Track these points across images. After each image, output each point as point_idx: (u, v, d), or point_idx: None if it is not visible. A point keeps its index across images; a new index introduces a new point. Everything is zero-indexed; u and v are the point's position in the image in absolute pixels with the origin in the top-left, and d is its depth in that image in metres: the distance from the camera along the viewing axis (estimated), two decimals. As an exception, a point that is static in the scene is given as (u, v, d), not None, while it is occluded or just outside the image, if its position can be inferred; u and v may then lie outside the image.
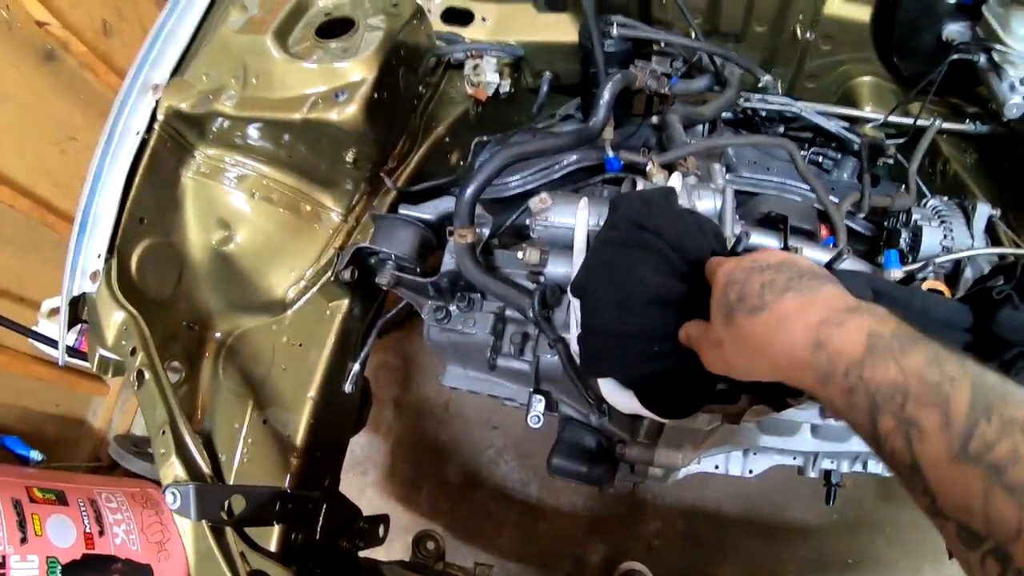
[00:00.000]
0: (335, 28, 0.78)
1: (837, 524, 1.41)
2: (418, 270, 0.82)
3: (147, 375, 0.64)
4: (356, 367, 0.89)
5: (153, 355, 0.65)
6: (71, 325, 0.75)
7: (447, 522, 1.51)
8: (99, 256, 0.71)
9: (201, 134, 0.79)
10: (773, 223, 0.75)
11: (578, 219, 0.66)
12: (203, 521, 0.58)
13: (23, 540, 1.15)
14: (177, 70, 0.76)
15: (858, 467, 0.90)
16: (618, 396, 0.57)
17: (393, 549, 1.42)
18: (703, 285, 0.47)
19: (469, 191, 0.72)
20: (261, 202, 0.83)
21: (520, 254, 0.72)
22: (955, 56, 0.79)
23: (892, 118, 0.91)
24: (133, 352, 0.66)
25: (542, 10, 0.98)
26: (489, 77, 0.98)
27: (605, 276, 0.52)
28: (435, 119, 0.98)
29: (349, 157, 0.77)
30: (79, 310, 0.74)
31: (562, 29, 0.99)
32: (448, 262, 0.78)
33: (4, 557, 1.11)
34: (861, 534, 1.41)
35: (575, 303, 0.57)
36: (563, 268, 0.71)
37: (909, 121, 0.90)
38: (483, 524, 1.50)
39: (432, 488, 1.56)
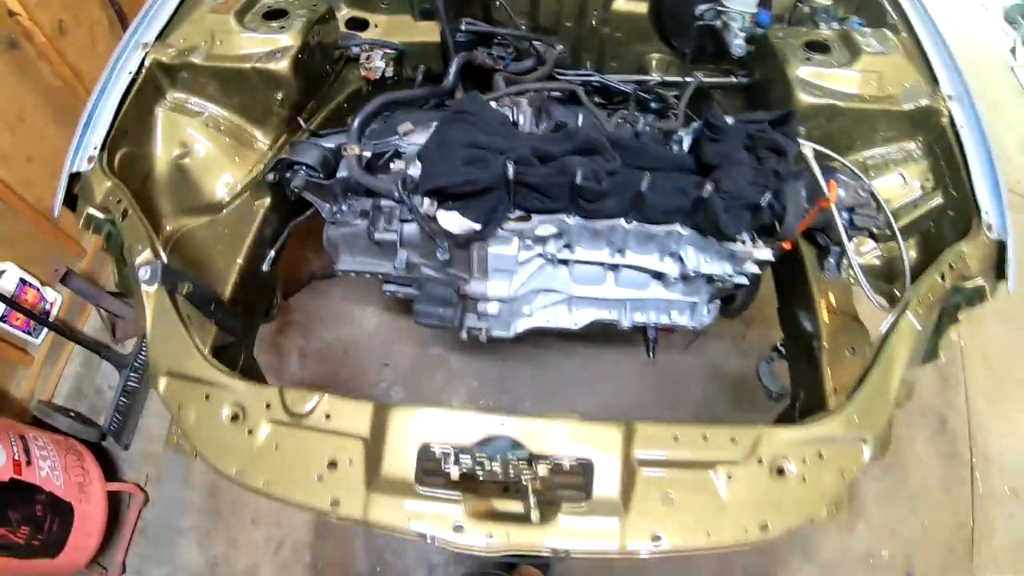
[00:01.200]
0: (274, 14, 1.42)
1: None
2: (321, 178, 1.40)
3: (130, 212, 1.15)
4: (272, 252, 1.43)
5: (133, 202, 1.16)
6: (65, 201, 1.24)
7: None
8: (95, 148, 1.22)
9: (172, 81, 1.36)
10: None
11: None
12: (162, 288, 1.07)
13: None
14: (160, 36, 1.34)
15: (665, 319, 1.50)
16: (448, 217, 1.17)
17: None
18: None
19: (357, 119, 1.34)
20: (211, 130, 1.39)
21: (392, 165, 1.34)
22: (700, 23, 1.48)
23: (672, 78, 1.64)
24: (119, 202, 1.16)
25: (417, 19, 1.69)
26: (377, 63, 1.64)
27: (436, 137, 1.15)
28: (337, 92, 1.62)
29: (279, 97, 1.37)
30: (73, 186, 1.23)
31: (432, 33, 1.68)
32: (341, 171, 1.37)
33: None
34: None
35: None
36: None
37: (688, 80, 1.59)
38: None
39: None
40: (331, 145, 1.42)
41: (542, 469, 0.86)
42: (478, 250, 1.28)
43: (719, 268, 1.33)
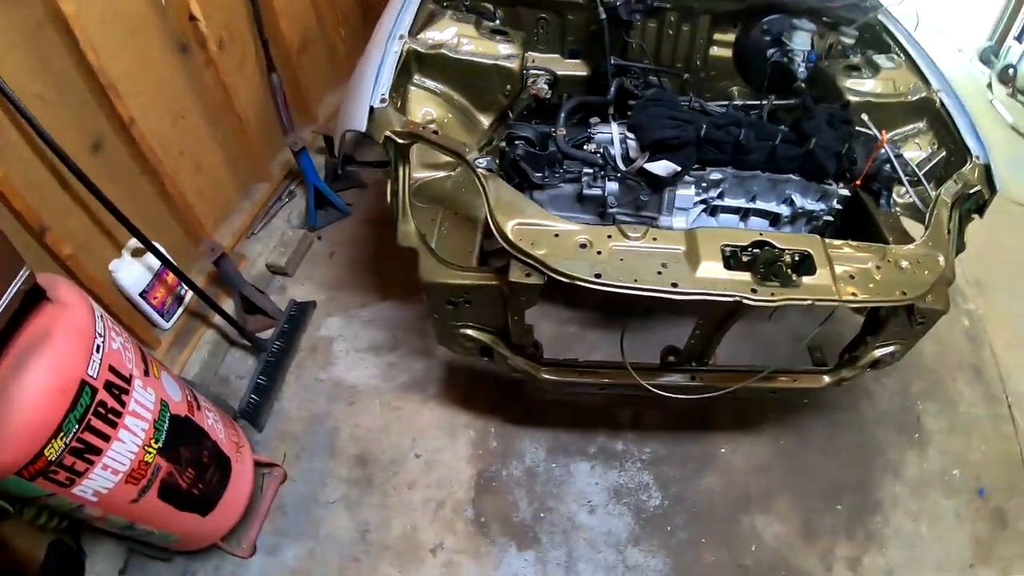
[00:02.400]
0: (498, 31, 2.39)
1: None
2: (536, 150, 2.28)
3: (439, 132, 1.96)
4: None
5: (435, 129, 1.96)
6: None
7: (504, 415, 2.61)
8: (383, 93, 1.95)
9: (421, 65, 2.23)
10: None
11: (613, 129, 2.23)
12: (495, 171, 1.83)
13: (145, 372, 1.70)
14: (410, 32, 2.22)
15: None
16: (658, 164, 2.06)
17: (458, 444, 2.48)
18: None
19: (563, 111, 2.28)
20: (447, 106, 2.27)
21: (586, 147, 2.23)
22: (772, 61, 2.56)
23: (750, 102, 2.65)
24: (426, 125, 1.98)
25: (565, 58, 2.71)
26: (542, 85, 2.60)
27: (643, 114, 2.09)
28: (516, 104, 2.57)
29: (508, 88, 2.29)
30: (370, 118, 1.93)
31: (576, 68, 2.71)
32: (550, 147, 2.26)
33: (131, 377, 1.62)
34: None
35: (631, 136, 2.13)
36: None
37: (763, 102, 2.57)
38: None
39: (488, 390, 2.67)
40: (544, 129, 2.32)
41: (787, 256, 1.69)
42: (668, 192, 2.16)
43: (816, 205, 2.26)
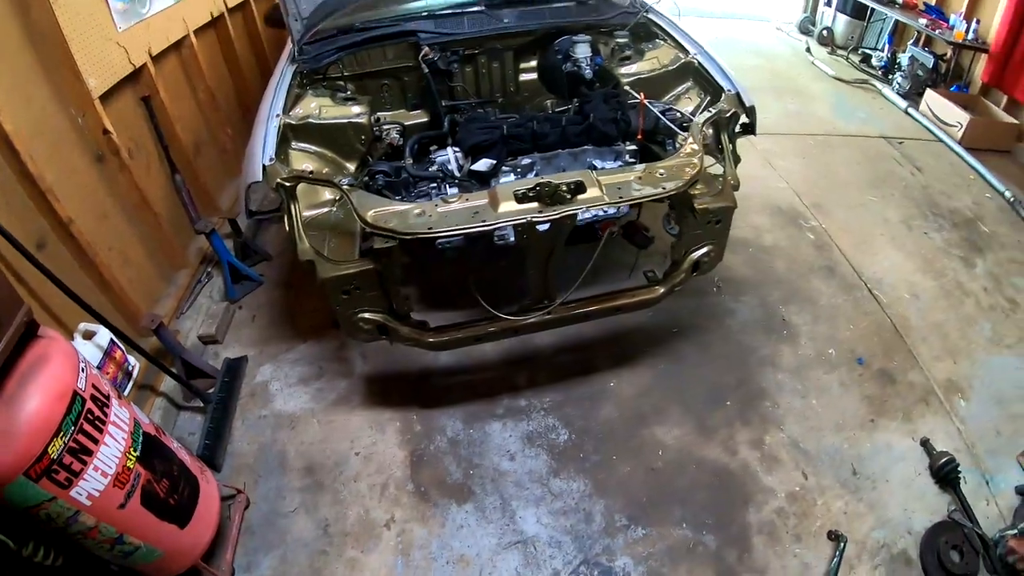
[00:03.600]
0: (349, 99, 3.09)
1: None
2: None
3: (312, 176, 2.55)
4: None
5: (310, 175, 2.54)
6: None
7: (420, 403, 2.98)
8: (270, 157, 2.48)
9: (295, 134, 2.83)
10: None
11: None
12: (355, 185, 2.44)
13: (119, 397, 1.94)
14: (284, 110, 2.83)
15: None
16: (479, 163, 2.66)
17: (388, 435, 2.89)
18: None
19: (408, 147, 2.93)
20: (321, 161, 2.84)
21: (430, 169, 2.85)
22: (567, 71, 3.24)
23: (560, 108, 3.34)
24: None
25: (409, 110, 3.37)
26: (394, 135, 3.19)
27: (464, 129, 2.75)
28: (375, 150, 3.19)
29: (363, 138, 2.93)
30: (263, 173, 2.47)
31: (417, 117, 3.34)
32: (403, 174, 2.84)
33: (108, 396, 1.85)
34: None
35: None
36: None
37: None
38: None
39: (402, 388, 3.07)
40: (397, 164, 2.89)
41: (563, 186, 2.21)
42: (494, 183, 2.71)
43: (612, 164, 2.85)
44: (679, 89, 3.16)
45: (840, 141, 5.19)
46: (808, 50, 7.04)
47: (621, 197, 2.27)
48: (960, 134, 5.13)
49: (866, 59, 6.78)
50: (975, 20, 5.49)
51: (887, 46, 6.52)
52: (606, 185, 2.30)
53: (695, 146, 2.51)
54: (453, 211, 2.25)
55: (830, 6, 7.27)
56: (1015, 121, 5.16)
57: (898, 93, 5.91)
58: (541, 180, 2.26)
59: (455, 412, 2.96)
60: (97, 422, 1.80)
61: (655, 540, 2.49)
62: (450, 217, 2.22)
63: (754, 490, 2.65)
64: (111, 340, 2.55)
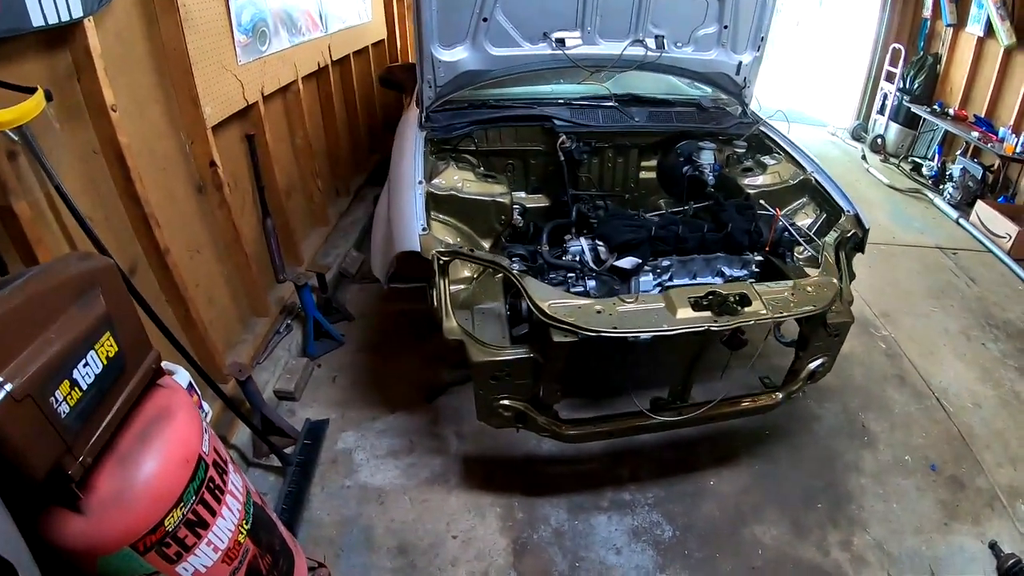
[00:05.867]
0: (487, 176, 3.23)
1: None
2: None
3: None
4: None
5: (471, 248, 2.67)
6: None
7: (522, 490, 3.03)
8: (423, 223, 2.57)
9: (436, 204, 2.95)
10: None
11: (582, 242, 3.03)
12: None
13: (232, 460, 1.76)
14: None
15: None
16: (623, 260, 2.82)
17: (488, 520, 2.93)
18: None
19: (545, 233, 3.08)
20: (457, 234, 2.97)
21: (564, 258, 3.03)
22: (687, 175, 3.48)
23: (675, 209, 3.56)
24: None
25: (529, 193, 3.56)
26: (517, 217, 3.34)
27: (606, 226, 2.93)
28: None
29: (503, 218, 3.05)
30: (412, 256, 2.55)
31: (538, 201, 3.53)
32: (538, 259, 3.01)
33: (227, 460, 1.70)
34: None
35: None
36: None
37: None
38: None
39: (504, 472, 3.19)
40: (531, 248, 3.06)
41: (731, 297, 2.42)
42: (634, 280, 2.89)
43: (740, 272, 3.06)
44: (796, 203, 3.41)
45: (900, 251, 5.52)
46: (864, 157, 7.43)
47: (781, 312, 2.47)
48: (1009, 245, 5.46)
49: (916, 168, 7.19)
50: (1024, 133, 5.88)
51: (937, 156, 6.92)
52: (766, 298, 2.51)
53: (832, 265, 2.74)
54: (633, 311, 2.41)
55: (883, 114, 7.69)
56: (1060, 232, 5.50)
57: (949, 203, 6.28)
58: (712, 290, 2.46)
59: (559, 502, 2.97)
60: (217, 491, 1.63)
61: (759, 637, 2.58)
62: (631, 318, 2.39)
63: (846, 589, 2.78)
64: (189, 383, 2.39)
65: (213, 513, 1.60)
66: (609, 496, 3.06)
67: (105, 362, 1.41)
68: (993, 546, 3.01)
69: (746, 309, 2.45)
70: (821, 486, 3.23)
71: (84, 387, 1.34)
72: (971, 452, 3.51)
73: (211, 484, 1.60)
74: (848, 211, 3.10)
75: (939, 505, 3.19)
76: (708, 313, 2.42)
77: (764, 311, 2.46)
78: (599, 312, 2.39)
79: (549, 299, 2.42)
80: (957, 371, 4.10)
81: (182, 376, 2.33)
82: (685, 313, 2.42)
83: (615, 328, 2.33)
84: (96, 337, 1.40)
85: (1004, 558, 2.92)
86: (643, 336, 2.39)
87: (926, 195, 6.58)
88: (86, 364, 1.36)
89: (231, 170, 3.21)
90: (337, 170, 5.13)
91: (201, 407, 2.49)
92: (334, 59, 4.71)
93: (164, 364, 2.24)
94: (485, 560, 2.68)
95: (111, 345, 1.44)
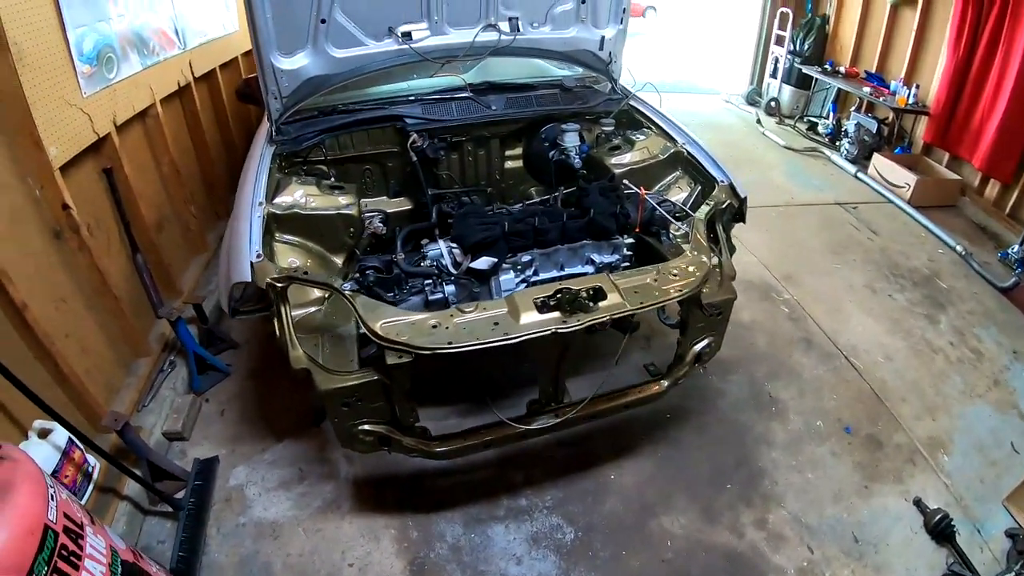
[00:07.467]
0: (335, 187, 2.94)
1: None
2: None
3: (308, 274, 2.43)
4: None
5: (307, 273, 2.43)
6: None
7: (415, 508, 2.86)
8: (257, 250, 2.34)
9: (279, 224, 2.68)
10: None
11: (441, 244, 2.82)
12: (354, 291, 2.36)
13: (92, 522, 1.73)
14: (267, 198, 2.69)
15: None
16: (478, 261, 2.63)
17: (383, 544, 2.76)
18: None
19: (399, 240, 2.85)
20: (306, 254, 2.72)
21: (422, 264, 2.80)
22: (554, 160, 3.31)
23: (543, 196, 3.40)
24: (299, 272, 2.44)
25: (391, 198, 3.32)
26: (377, 224, 3.11)
27: (460, 224, 2.71)
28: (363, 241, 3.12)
29: (351, 231, 2.80)
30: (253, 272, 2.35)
31: (400, 205, 3.31)
32: (395, 269, 2.78)
33: (82, 524, 1.66)
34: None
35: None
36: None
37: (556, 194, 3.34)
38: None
39: (394, 492, 2.95)
40: (387, 258, 2.84)
41: (583, 292, 2.23)
42: (494, 281, 2.70)
43: (611, 257, 2.89)
44: (668, 178, 3.26)
45: (798, 210, 5.51)
46: (759, 121, 7.47)
47: (642, 302, 2.30)
48: (909, 194, 5.51)
49: (812, 127, 7.28)
50: (915, 85, 5.97)
51: (831, 114, 7.00)
52: (624, 289, 2.33)
53: (702, 243, 2.58)
54: (471, 322, 2.21)
55: (775, 78, 7.77)
56: (958, 177, 5.60)
57: (846, 159, 6.34)
58: (560, 287, 2.27)
59: (454, 516, 2.84)
60: (72, 557, 1.60)
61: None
62: (469, 329, 2.18)
63: (765, 570, 2.67)
64: (69, 439, 2.35)
65: (73, 583, 1.56)
66: (505, 504, 2.90)
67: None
68: (918, 503, 2.94)
69: (601, 304, 2.28)
70: (730, 465, 3.11)
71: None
72: (886, 408, 3.46)
73: (64, 552, 1.57)
74: (722, 181, 2.97)
75: (857, 468, 3.12)
76: (557, 314, 2.23)
77: (623, 304, 2.28)
78: (434, 327, 2.19)
79: (382, 319, 2.21)
80: (865, 326, 4.06)
81: (60, 434, 2.31)
82: (530, 317, 2.22)
83: (450, 343, 2.12)
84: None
85: (931, 513, 2.84)
86: (477, 348, 2.17)
87: (823, 153, 6.64)
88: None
89: (90, 210, 3.05)
90: (214, 192, 4.83)
91: (86, 461, 2.47)
92: (197, 76, 4.43)
93: (41, 423, 2.31)
94: (388, 586, 2.54)
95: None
